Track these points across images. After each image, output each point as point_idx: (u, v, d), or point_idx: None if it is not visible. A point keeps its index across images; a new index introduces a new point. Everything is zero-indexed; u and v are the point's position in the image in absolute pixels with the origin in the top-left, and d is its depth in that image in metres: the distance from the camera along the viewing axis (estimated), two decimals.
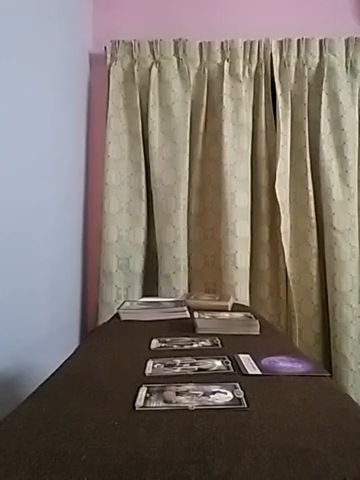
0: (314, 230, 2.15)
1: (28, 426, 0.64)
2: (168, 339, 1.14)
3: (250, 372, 0.86)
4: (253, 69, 2.22)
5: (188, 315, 1.41)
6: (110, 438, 0.59)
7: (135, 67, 2.23)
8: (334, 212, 2.09)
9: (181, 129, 2.19)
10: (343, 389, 1.58)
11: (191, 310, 1.41)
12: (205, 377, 0.83)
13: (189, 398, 0.72)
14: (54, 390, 0.80)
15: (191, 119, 2.22)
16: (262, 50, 2.20)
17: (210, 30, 2.27)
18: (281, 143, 2.13)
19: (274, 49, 2.19)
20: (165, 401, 0.71)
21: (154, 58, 2.23)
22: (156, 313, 1.42)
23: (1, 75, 1.35)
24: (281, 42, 2.20)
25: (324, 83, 2.15)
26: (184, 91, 2.22)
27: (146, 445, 0.57)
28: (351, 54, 2.18)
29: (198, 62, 2.24)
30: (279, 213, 2.11)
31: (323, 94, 2.14)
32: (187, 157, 2.18)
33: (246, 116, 2.19)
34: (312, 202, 2.15)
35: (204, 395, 0.73)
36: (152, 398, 0.73)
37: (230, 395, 0.73)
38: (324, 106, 2.14)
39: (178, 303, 1.51)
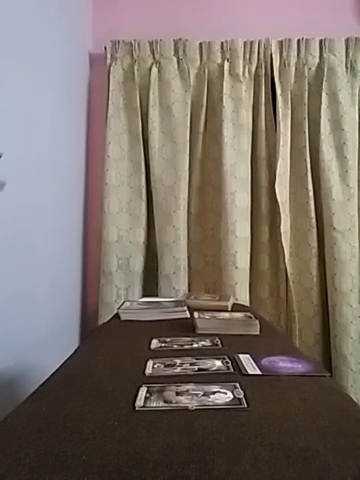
0: (314, 230, 2.15)
1: (28, 426, 0.64)
2: (168, 339, 1.14)
3: (250, 372, 0.86)
4: (253, 69, 2.22)
5: (188, 315, 1.41)
6: (110, 438, 0.59)
7: (135, 67, 2.23)
8: (334, 212, 2.09)
9: (181, 129, 2.19)
10: (343, 389, 1.58)
11: (191, 310, 1.41)
12: (205, 377, 0.83)
13: (189, 398, 0.72)
14: (54, 390, 0.80)
15: (191, 119, 2.22)
16: (262, 50, 2.20)
17: (210, 30, 2.27)
18: (281, 143, 2.13)
19: (274, 49, 2.19)
20: (165, 401, 0.71)
21: (154, 58, 2.23)
22: (156, 313, 1.42)
23: (1, 75, 1.35)
24: (281, 42, 2.20)
25: (324, 83, 2.15)
26: (184, 91, 2.22)
27: (146, 445, 0.57)
28: (351, 54, 2.18)
29: (198, 62, 2.24)
30: (279, 213, 2.11)
31: (323, 94, 2.14)
32: (187, 157, 2.18)
33: (246, 116, 2.19)
34: (312, 202, 2.15)
35: (204, 395, 0.73)
36: (152, 398, 0.73)
37: (230, 395, 0.73)
38: (324, 106, 2.14)
39: (178, 303, 1.51)
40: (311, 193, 2.15)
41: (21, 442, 0.59)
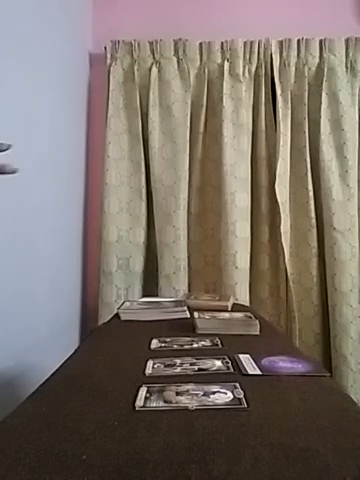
0: (314, 230, 2.15)
1: (28, 426, 0.64)
2: (168, 339, 1.14)
3: (250, 372, 0.86)
4: (253, 69, 2.22)
5: (188, 315, 1.41)
6: (110, 438, 0.59)
7: (135, 67, 2.23)
8: (334, 212, 2.09)
9: (181, 129, 2.19)
10: (343, 389, 1.58)
11: (191, 310, 1.41)
12: (205, 377, 0.83)
13: (189, 398, 0.72)
14: (54, 390, 0.80)
15: (191, 119, 2.22)
16: (262, 50, 2.20)
17: (210, 30, 2.27)
18: (281, 143, 2.13)
19: (274, 49, 2.19)
20: (165, 401, 0.71)
21: (154, 58, 2.24)
22: (156, 313, 1.42)
23: (1, 75, 1.35)
24: (281, 42, 2.20)
25: (324, 83, 2.15)
26: (184, 91, 2.22)
27: (146, 445, 0.57)
28: (351, 54, 2.18)
29: (198, 62, 2.24)
30: (279, 213, 2.11)
31: (323, 94, 2.14)
32: (187, 157, 2.18)
33: (246, 116, 2.19)
34: (312, 202, 2.15)
35: (204, 395, 0.73)
36: (152, 398, 0.73)
37: (230, 395, 0.73)
38: (324, 106, 2.14)
39: (178, 303, 1.51)
40: (311, 193, 2.15)
41: (21, 442, 0.59)
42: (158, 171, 2.19)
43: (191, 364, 0.91)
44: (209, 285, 2.22)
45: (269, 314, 2.16)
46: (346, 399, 0.76)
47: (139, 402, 0.71)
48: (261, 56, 2.20)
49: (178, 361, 0.93)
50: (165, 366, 0.91)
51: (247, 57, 2.21)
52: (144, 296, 2.09)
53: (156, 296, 2.06)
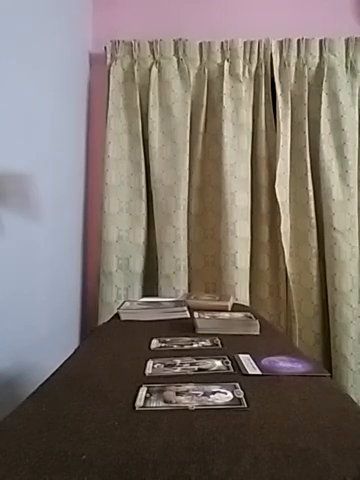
0: (314, 230, 2.15)
1: (28, 426, 0.64)
2: (168, 339, 1.14)
3: (250, 372, 0.86)
4: (253, 69, 2.22)
5: (188, 315, 1.41)
6: (110, 438, 0.59)
7: (135, 67, 2.23)
8: (334, 212, 2.09)
9: (181, 129, 2.19)
10: (343, 389, 1.58)
11: (191, 310, 1.41)
12: (205, 377, 0.83)
13: (189, 398, 0.72)
14: (54, 390, 0.80)
15: (191, 119, 2.22)
16: (262, 50, 2.20)
17: (210, 30, 2.27)
18: (281, 143, 2.13)
19: (274, 49, 2.19)
20: (165, 401, 0.71)
21: (154, 58, 2.23)
22: (156, 313, 1.42)
23: (1, 75, 1.35)
24: (281, 42, 2.20)
25: (324, 83, 2.15)
26: (184, 91, 2.22)
27: (146, 445, 0.57)
28: (351, 54, 2.18)
29: (198, 62, 2.24)
30: (279, 213, 2.11)
31: (323, 94, 2.14)
32: (187, 157, 2.18)
33: (246, 116, 2.19)
34: (312, 202, 2.15)
35: (204, 395, 0.73)
36: (152, 398, 0.73)
37: (230, 395, 0.73)
38: (324, 106, 2.14)
39: (178, 303, 1.51)
40: (311, 193, 2.15)
41: (21, 442, 0.59)
42: (158, 171, 2.19)
43: (191, 364, 0.91)
44: (209, 285, 2.22)
45: (269, 314, 2.16)
46: (346, 399, 0.76)
47: (139, 402, 0.71)
48: (261, 56, 2.20)
49: (178, 361, 0.93)
50: (165, 366, 0.91)
51: (247, 57, 2.21)
52: (144, 296, 2.09)
53: (156, 296, 2.06)
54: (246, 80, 2.21)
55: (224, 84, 2.16)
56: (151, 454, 0.55)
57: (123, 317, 1.41)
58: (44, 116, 1.72)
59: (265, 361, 0.93)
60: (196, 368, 0.89)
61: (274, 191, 2.12)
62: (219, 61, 2.22)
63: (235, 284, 2.08)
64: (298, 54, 2.20)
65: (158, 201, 2.19)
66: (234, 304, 1.66)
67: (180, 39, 2.22)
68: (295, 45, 2.20)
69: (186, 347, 1.06)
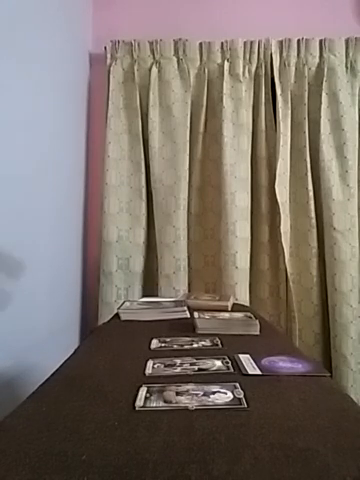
0: (314, 230, 2.15)
1: (28, 426, 0.64)
2: (168, 339, 1.13)
3: (250, 372, 0.86)
4: (253, 69, 2.22)
5: (188, 315, 1.41)
6: (110, 438, 0.59)
7: (135, 67, 2.23)
8: (334, 212, 2.09)
9: (181, 129, 2.19)
10: (343, 389, 1.58)
11: (191, 310, 1.41)
12: (205, 377, 0.83)
13: (189, 398, 0.72)
14: (54, 390, 0.80)
15: (191, 119, 2.22)
16: (262, 50, 2.20)
17: (210, 30, 2.27)
18: (281, 143, 2.13)
19: (274, 49, 2.20)
20: (165, 401, 0.71)
21: (154, 58, 2.24)
22: (156, 313, 1.42)
23: (1, 75, 1.35)
24: (281, 42, 2.20)
25: (324, 83, 2.15)
26: (184, 91, 2.22)
27: (146, 445, 0.57)
28: (351, 54, 2.18)
29: (198, 62, 2.24)
30: (279, 213, 2.11)
31: (323, 94, 2.14)
32: (187, 157, 2.18)
33: (246, 116, 2.19)
34: (312, 202, 2.15)
35: (204, 395, 0.73)
36: (152, 398, 0.73)
37: (230, 395, 0.73)
38: (324, 106, 2.14)
39: (178, 303, 1.51)
40: (311, 193, 2.15)
41: (21, 442, 0.59)
42: (158, 171, 2.19)
43: (191, 364, 0.91)
44: (209, 285, 2.22)
45: (269, 314, 2.16)
46: (346, 399, 0.76)
47: (139, 402, 0.71)
48: (261, 56, 2.20)
49: (178, 361, 0.93)
50: (165, 366, 0.91)
51: (247, 57, 2.21)
52: (144, 296, 2.09)
53: (156, 296, 2.06)
54: (246, 80, 2.21)
55: (224, 84, 2.16)
56: (151, 454, 0.55)
57: (123, 317, 1.41)
58: (44, 116, 1.72)
59: (265, 361, 0.93)
60: (196, 368, 0.89)
61: (274, 191, 2.12)
62: (219, 61, 2.22)
63: (235, 284, 2.08)
64: (298, 54, 2.20)
65: (158, 201, 2.19)
66: (234, 304, 1.66)
67: (180, 39, 2.22)
68: (295, 45, 2.20)
69: (186, 347, 1.06)
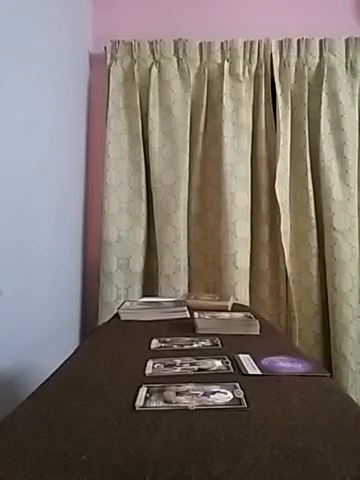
0: (314, 230, 2.15)
1: (28, 426, 0.64)
2: (168, 339, 1.13)
3: (250, 372, 0.86)
4: (253, 69, 2.22)
5: (188, 315, 1.41)
6: (110, 438, 0.59)
7: (135, 67, 2.23)
8: (334, 212, 2.09)
9: (181, 129, 2.19)
10: (343, 389, 1.58)
11: (191, 310, 1.41)
12: (205, 377, 0.83)
13: (189, 398, 0.72)
14: (54, 390, 0.80)
15: (191, 119, 2.22)
16: (262, 50, 2.20)
17: (210, 30, 2.27)
18: (281, 143, 2.13)
19: (274, 49, 2.20)
20: (165, 401, 0.71)
21: (154, 58, 2.24)
22: (156, 313, 1.42)
23: (1, 75, 1.35)
24: (281, 42, 2.20)
25: (324, 83, 2.15)
26: (184, 91, 2.22)
27: (146, 445, 0.57)
28: (351, 54, 2.18)
29: (198, 62, 2.24)
30: (279, 213, 2.11)
31: (323, 94, 2.14)
32: (187, 157, 2.18)
33: (246, 116, 2.19)
34: (312, 202, 2.15)
35: (204, 395, 0.73)
36: (152, 398, 0.73)
37: (230, 395, 0.73)
38: (324, 106, 2.14)
39: (178, 303, 1.51)
40: (311, 193, 2.15)
41: (21, 442, 0.59)
42: (158, 171, 2.19)
43: (191, 364, 0.91)
44: (209, 285, 2.22)
45: (269, 314, 2.16)
46: (346, 399, 0.76)
47: (139, 402, 0.71)
48: (261, 56, 2.20)
49: (178, 361, 0.93)
50: (165, 366, 0.91)
51: (247, 57, 2.21)
52: (144, 296, 2.09)
53: (156, 296, 2.06)
54: (246, 80, 2.21)
55: (224, 84, 2.16)
56: (151, 454, 0.55)
57: (123, 317, 1.41)
58: (44, 116, 1.72)
59: (265, 361, 0.93)
60: (196, 368, 0.89)
61: (274, 191, 2.12)
62: (219, 61, 2.22)
63: (235, 284, 2.08)
64: (298, 54, 2.20)
65: (158, 201, 2.19)
66: (234, 304, 1.66)
67: (180, 39, 2.22)
68: (295, 45, 2.20)
69: (186, 347, 1.06)
